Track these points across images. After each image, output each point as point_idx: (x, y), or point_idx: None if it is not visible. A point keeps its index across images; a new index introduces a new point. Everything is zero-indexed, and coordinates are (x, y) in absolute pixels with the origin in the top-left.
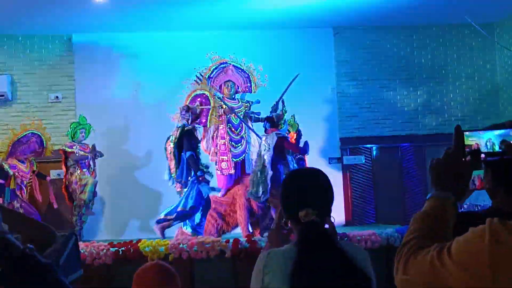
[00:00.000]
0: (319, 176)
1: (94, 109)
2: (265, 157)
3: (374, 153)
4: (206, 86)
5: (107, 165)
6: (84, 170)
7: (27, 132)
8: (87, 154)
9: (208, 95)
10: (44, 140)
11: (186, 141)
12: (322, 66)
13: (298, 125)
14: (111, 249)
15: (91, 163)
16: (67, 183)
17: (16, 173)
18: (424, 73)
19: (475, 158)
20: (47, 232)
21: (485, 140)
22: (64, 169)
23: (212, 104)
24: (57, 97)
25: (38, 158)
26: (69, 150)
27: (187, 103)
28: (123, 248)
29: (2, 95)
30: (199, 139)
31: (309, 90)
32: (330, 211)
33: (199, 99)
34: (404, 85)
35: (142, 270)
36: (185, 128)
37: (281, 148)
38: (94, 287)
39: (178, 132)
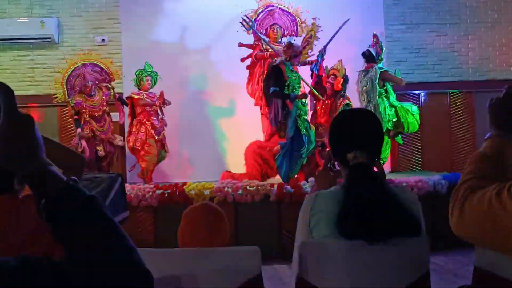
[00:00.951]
0: (369, 118)
1: (140, 52)
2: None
3: (422, 99)
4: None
5: None
6: (153, 118)
7: (75, 66)
8: (157, 102)
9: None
10: (102, 66)
11: (273, 78)
12: (371, 9)
13: (345, 69)
14: (157, 191)
15: (159, 111)
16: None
17: (83, 109)
18: (476, 17)
19: None
20: (79, 159)
21: None
22: (129, 119)
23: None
24: (103, 40)
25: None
26: (136, 96)
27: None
28: (168, 191)
29: (49, 38)
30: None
31: (357, 33)
32: (379, 154)
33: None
34: (455, 30)
35: (191, 209)
36: (273, 65)
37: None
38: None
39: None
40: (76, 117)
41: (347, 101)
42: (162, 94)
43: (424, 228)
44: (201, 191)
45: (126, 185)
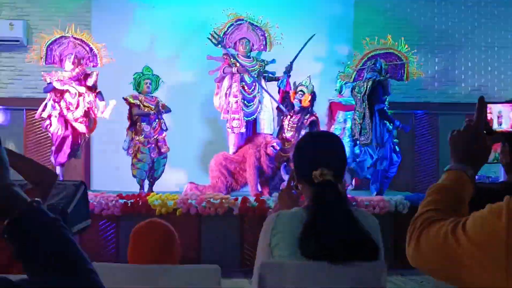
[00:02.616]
0: (334, 139)
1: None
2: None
3: None
4: None
5: None
6: (146, 126)
7: (64, 35)
8: (150, 110)
9: None
10: (94, 48)
11: (379, 93)
12: (340, 27)
13: (313, 86)
14: (120, 200)
15: (157, 119)
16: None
17: (56, 83)
18: (443, 40)
19: (488, 132)
20: (49, 175)
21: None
22: (129, 122)
23: None
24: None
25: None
26: (132, 100)
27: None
28: (131, 201)
29: (17, 41)
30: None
31: (326, 51)
32: (343, 174)
33: None
34: (422, 52)
35: (138, 228)
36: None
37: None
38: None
39: (369, 84)
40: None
41: (313, 118)
42: (157, 102)
43: (383, 252)
44: (165, 202)
45: (89, 193)
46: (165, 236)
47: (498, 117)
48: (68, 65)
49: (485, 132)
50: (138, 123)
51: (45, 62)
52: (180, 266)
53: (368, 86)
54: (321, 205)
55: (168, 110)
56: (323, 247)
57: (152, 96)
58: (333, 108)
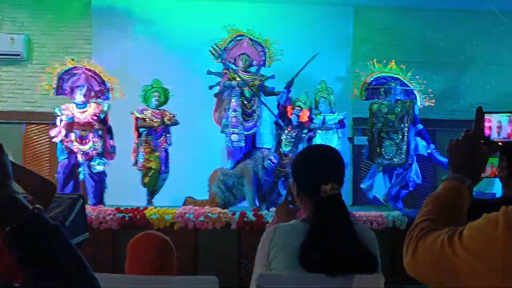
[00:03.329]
0: (335, 152)
1: (110, 74)
2: None
3: None
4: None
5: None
6: (153, 140)
7: (75, 65)
8: (155, 124)
9: None
10: (104, 79)
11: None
12: (339, 44)
13: (311, 102)
14: (117, 214)
15: (163, 133)
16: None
17: (65, 118)
18: (442, 57)
19: (487, 143)
20: (49, 186)
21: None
22: (135, 135)
23: None
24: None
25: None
26: (138, 115)
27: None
28: (129, 215)
29: (18, 55)
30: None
31: (324, 67)
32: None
33: None
34: (421, 69)
35: (135, 240)
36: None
37: None
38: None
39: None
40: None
41: (311, 134)
42: (170, 118)
43: (381, 265)
44: (162, 216)
45: (87, 206)
46: (162, 248)
47: (498, 127)
48: (79, 97)
49: (483, 142)
50: (145, 137)
51: (56, 93)
52: (178, 277)
53: (410, 108)
54: (327, 218)
55: (175, 123)
56: (325, 260)
57: (160, 109)
58: None
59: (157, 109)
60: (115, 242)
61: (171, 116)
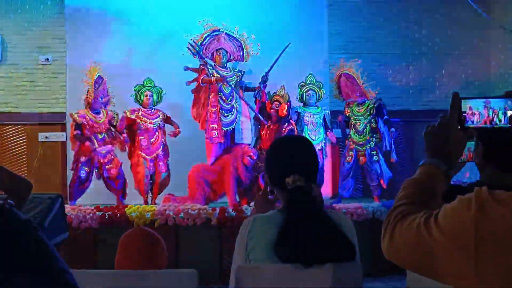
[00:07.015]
0: (305, 143)
1: (84, 73)
2: None
3: None
4: None
5: None
6: (144, 140)
7: (98, 74)
8: (146, 123)
9: None
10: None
11: None
12: (315, 38)
13: (289, 96)
14: (97, 213)
15: (156, 133)
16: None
17: (86, 124)
18: (417, 48)
19: (462, 127)
20: (24, 184)
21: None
22: (122, 135)
23: None
24: (47, 59)
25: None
26: (129, 116)
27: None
28: (109, 213)
29: None
30: None
31: (301, 61)
32: (316, 179)
33: None
34: (397, 60)
35: (126, 236)
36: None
37: None
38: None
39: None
40: (76, 131)
41: (291, 127)
42: (165, 118)
43: (359, 253)
44: (143, 213)
45: (67, 206)
46: (153, 243)
47: (473, 113)
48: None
49: (459, 127)
50: (136, 138)
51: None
52: (157, 271)
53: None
54: (294, 209)
55: (171, 123)
56: (297, 250)
57: (153, 109)
58: None
59: (148, 108)
60: (96, 241)
61: (167, 116)
